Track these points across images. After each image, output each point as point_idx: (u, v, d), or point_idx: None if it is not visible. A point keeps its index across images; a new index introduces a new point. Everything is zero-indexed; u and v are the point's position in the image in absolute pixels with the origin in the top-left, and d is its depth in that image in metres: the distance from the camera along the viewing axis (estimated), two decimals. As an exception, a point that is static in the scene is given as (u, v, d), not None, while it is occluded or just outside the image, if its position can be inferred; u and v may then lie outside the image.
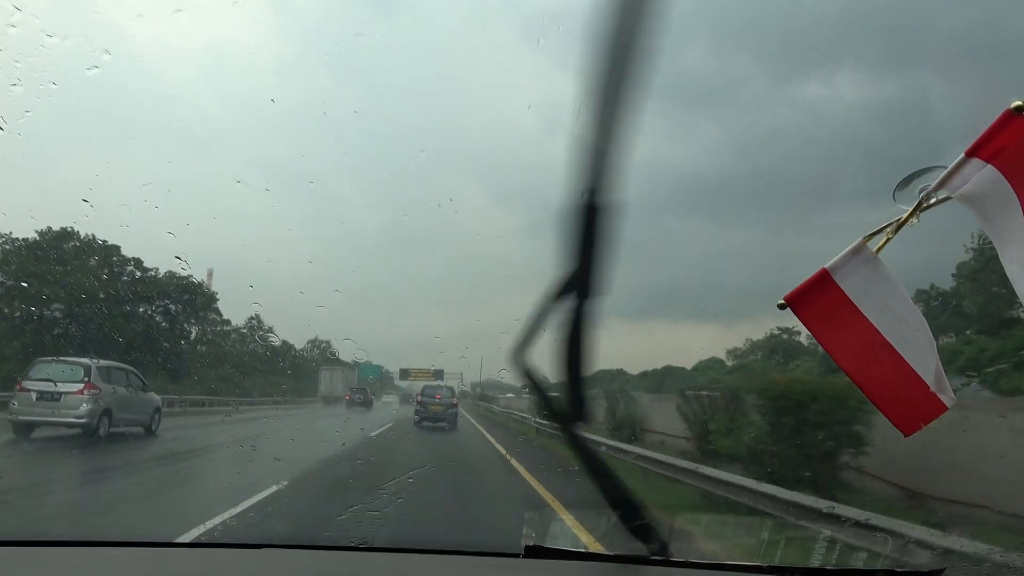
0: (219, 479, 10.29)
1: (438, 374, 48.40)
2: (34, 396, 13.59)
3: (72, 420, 13.63)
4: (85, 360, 14.81)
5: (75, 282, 33.70)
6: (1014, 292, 1.35)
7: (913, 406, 1.48)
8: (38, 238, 36.13)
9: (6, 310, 33.98)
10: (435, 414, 24.21)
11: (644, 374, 59.65)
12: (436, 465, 12.46)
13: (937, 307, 35.59)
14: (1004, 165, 1.40)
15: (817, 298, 1.52)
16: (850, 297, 1.51)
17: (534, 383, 2.06)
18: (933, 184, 1.46)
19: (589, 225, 1.80)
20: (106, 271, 37.29)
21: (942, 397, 1.45)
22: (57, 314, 33.71)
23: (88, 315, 33.66)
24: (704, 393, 14.25)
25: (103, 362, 15.32)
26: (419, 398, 25.51)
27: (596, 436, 14.53)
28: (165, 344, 39.69)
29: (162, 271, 41.23)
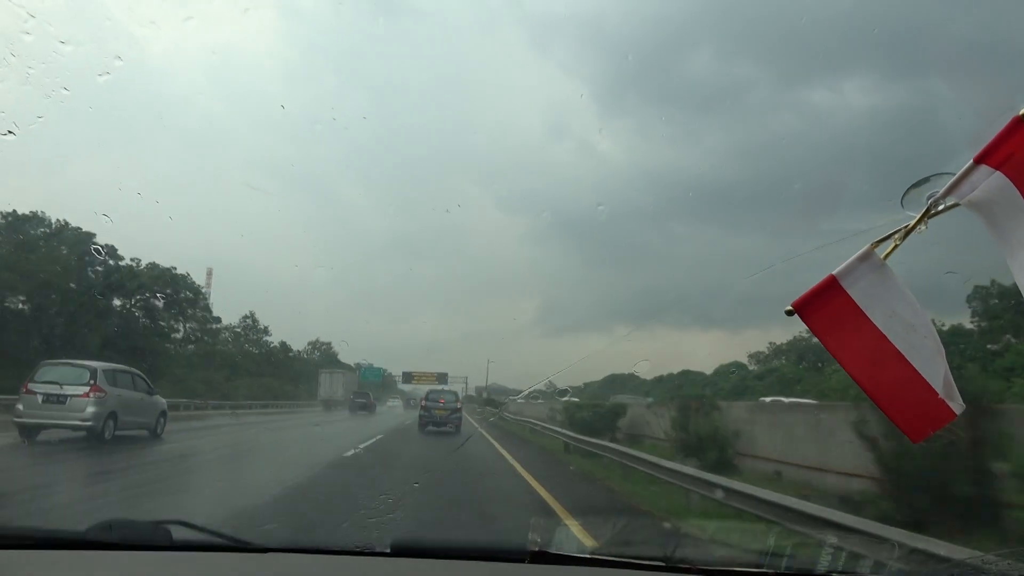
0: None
1: (442, 378, 47.42)
2: (40, 399, 13.65)
3: (78, 423, 13.68)
4: (91, 363, 14.88)
5: (40, 270, 30.36)
6: None
7: (921, 413, 1.47)
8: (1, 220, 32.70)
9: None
10: (439, 418, 24.69)
11: (659, 379, 58.81)
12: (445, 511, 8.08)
13: (997, 306, 33.82)
14: (1013, 172, 1.40)
15: (824, 304, 1.52)
16: (858, 303, 1.51)
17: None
18: (941, 191, 1.46)
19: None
20: (75, 259, 33.39)
21: (951, 404, 1.45)
22: (21, 306, 30.63)
23: (51, 306, 30.75)
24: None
25: (109, 365, 15.38)
26: (423, 403, 25.91)
27: (666, 461, 10.44)
28: (144, 342, 35.94)
29: (144, 262, 38.05)
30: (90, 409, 13.65)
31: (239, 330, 54.79)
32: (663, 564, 2.16)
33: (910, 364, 1.47)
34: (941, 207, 1.48)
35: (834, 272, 1.53)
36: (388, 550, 2.37)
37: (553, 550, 2.31)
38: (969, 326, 36.23)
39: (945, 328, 30.16)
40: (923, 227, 1.51)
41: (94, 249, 33.73)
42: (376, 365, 56.70)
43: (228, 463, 13.43)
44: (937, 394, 1.45)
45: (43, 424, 13.83)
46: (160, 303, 39.79)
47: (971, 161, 1.42)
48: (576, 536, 3.76)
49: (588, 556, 2.37)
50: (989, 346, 34.01)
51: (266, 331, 55.09)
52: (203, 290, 44.68)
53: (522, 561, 2.23)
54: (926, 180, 1.51)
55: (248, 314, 54.59)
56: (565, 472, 14.06)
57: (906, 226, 1.52)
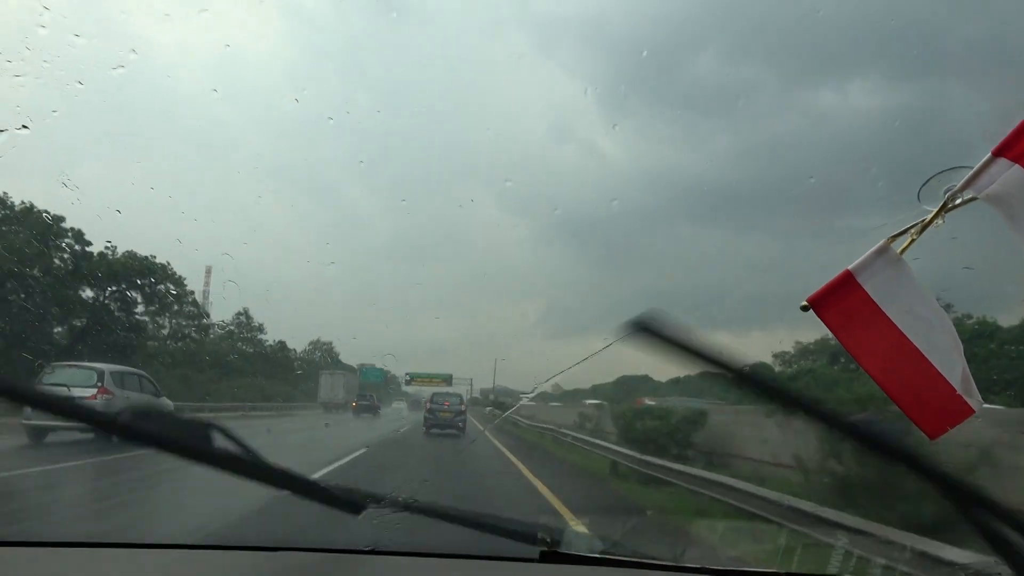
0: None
1: (446, 379, 46.53)
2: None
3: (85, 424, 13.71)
4: (99, 365, 14.96)
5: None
6: None
7: (939, 409, 1.46)
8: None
9: None
10: (444, 421, 24.80)
11: (676, 381, 57.39)
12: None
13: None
14: None
15: (840, 300, 1.51)
16: (874, 299, 1.49)
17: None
18: (959, 184, 1.45)
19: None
20: (39, 246, 29.72)
21: (969, 400, 1.43)
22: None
23: (9, 295, 28.17)
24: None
25: (116, 367, 15.46)
26: (428, 405, 26.19)
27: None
28: (118, 337, 32.91)
29: (120, 250, 33.98)
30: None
31: (233, 327, 51.61)
32: (674, 565, 2.15)
33: (927, 360, 1.46)
34: (959, 201, 1.47)
35: (850, 267, 1.51)
36: (397, 549, 2.36)
37: (563, 550, 2.29)
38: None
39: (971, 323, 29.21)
40: (940, 221, 1.49)
41: (62, 233, 30.59)
42: (379, 366, 53.76)
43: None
44: (955, 390, 1.44)
45: (51, 426, 13.88)
46: (137, 295, 36.28)
47: (989, 154, 1.41)
48: (586, 536, 3.74)
49: (599, 556, 2.35)
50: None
51: (261, 329, 51.42)
52: (187, 285, 39.40)
53: (532, 560, 2.21)
54: (943, 173, 1.49)
55: (242, 311, 50.90)
56: (626, 506, 10.22)
57: (923, 220, 1.51)
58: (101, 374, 14.26)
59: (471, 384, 49.71)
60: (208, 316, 46.32)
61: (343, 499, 2.05)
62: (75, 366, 14.99)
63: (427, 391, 38.71)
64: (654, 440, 14.50)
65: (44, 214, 30.28)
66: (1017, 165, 1.39)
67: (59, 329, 31.99)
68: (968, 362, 1.43)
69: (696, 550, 2.18)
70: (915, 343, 1.47)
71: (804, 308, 1.52)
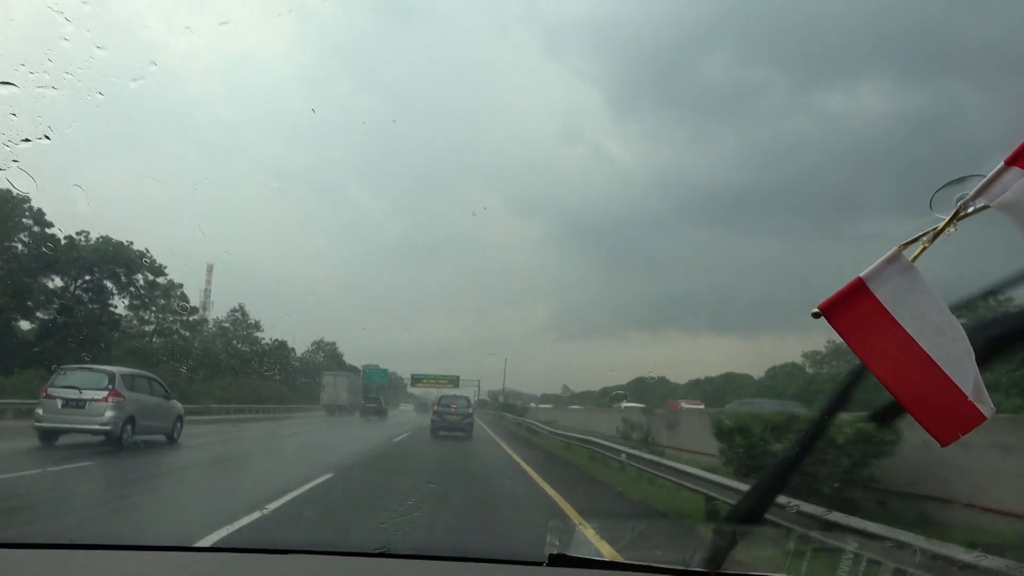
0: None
1: (453, 381, 45.63)
2: (59, 403, 13.81)
3: (96, 427, 13.83)
4: (109, 368, 15.09)
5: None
6: None
7: (950, 416, 1.46)
8: None
9: None
10: (451, 423, 24.95)
11: (696, 383, 56.20)
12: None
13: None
14: None
15: (851, 307, 1.51)
16: (885, 306, 1.49)
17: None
18: (971, 192, 1.45)
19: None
20: None
21: (980, 407, 1.43)
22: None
23: None
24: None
25: (127, 370, 15.56)
26: (435, 408, 26.40)
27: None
28: (89, 331, 30.08)
29: (93, 236, 30.58)
30: (109, 413, 13.79)
31: (227, 324, 48.04)
32: (682, 569, 2.16)
33: (938, 367, 1.46)
34: (971, 209, 1.47)
35: (861, 274, 1.51)
36: (407, 553, 2.37)
37: (571, 554, 2.30)
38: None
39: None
40: (952, 229, 1.50)
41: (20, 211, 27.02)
42: (383, 367, 51.45)
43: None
44: (966, 397, 1.44)
45: (63, 428, 13.99)
46: (112, 285, 32.72)
47: (1002, 163, 1.41)
48: (593, 540, 3.74)
49: (607, 560, 2.36)
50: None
51: (257, 326, 47.41)
52: (160, 266, 35.35)
53: (540, 564, 2.22)
54: (955, 182, 1.50)
55: (237, 306, 47.28)
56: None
57: (935, 228, 1.51)
58: (112, 377, 14.36)
59: (479, 386, 48.75)
60: (197, 311, 43.71)
61: None
62: (86, 369, 15.10)
63: (433, 392, 38.31)
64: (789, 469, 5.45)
65: (7, 193, 26.15)
66: (1030, 174, 1.39)
67: (25, 324, 28.83)
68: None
69: (703, 554, 2.18)
70: (926, 350, 1.47)
71: (815, 315, 1.52)
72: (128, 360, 27.64)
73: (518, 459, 16.58)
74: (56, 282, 30.60)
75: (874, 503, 8.77)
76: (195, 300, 46.61)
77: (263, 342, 47.37)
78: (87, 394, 13.85)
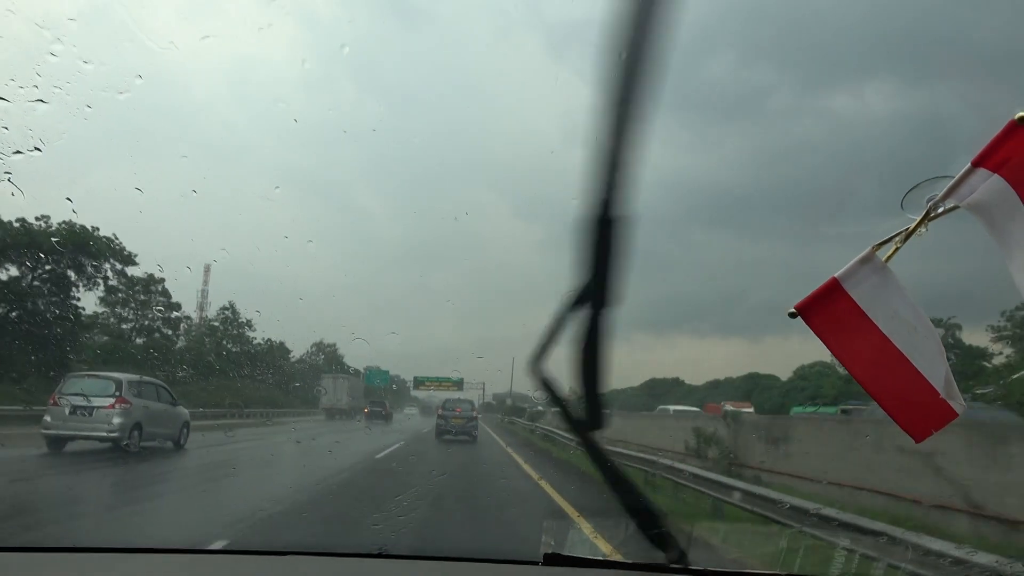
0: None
1: (457, 384, 44.63)
2: (67, 410, 13.90)
3: (104, 434, 13.91)
4: (116, 374, 15.15)
5: None
6: None
7: (923, 413, 1.50)
8: None
9: None
10: (456, 427, 25.38)
11: (715, 383, 55.07)
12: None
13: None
14: (1011, 175, 1.42)
15: (827, 307, 1.55)
16: (860, 305, 1.53)
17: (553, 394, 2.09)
18: (940, 193, 1.49)
19: (604, 237, 1.85)
20: None
21: (952, 403, 1.47)
22: None
23: None
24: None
25: (134, 376, 15.64)
26: (440, 411, 26.84)
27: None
28: (49, 327, 26.78)
29: (54, 221, 26.74)
30: (116, 420, 13.88)
31: (216, 323, 45.16)
32: (677, 567, 2.18)
33: (912, 365, 1.50)
34: (941, 209, 1.51)
35: (836, 274, 1.55)
36: (404, 553, 2.41)
37: (566, 552, 2.33)
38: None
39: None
40: (924, 229, 1.53)
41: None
42: (384, 369, 46.92)
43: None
44: (939, 394, 1.47)
45: (70, 435, 14.07)
46: (74, 275, 29.10)
47: (969, 164, 1.44)
48: (589, 538, 3.77)
49: (602, 559, 2.39)
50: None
51: (249, 325, 43.62)
52: (132, 257, 31.39)
53: (536, 563, 2.26)
54: (926, 183, 1.53)
55: (227, 304, 43.79)
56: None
57: (907, 229, 1.55)
58: (119, 384, 14.44)
59: (483, 389, 47.50)
60: (180, 307, 40.86)
61: None
62: (93, 376, 15.19)
63: (436, 395, 37.90)
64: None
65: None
66: (996, 175, 1.42)
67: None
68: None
69: (698, 552, 2.21)
70: (900, 348, 1.51)
71: (792, 315, 1.56)
72: (102, 362, 25.72)
73: (555, 495, 10.83)
74: (9, 271, 27.12)
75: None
76: (193, 301, 45.74)
77: (255, 342, 44.10)
78: (95, 401, 13.93)
